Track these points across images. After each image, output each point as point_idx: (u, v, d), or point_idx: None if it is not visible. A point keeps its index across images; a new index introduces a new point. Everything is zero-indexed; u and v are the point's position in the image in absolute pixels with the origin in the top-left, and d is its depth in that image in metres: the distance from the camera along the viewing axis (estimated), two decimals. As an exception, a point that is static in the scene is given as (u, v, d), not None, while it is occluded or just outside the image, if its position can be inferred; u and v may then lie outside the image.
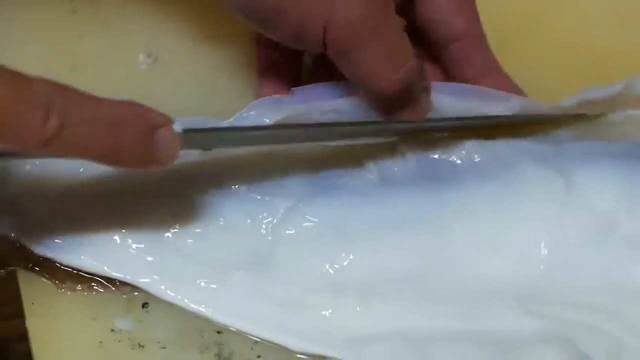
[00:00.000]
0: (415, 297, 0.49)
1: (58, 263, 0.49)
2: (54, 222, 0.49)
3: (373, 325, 0.48)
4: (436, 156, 0.51)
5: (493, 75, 0.51)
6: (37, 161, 0.49)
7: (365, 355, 0.47)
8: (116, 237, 0.49)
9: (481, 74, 0.51)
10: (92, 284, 0.49)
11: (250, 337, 0.48)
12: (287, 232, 0.50)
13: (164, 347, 0.48)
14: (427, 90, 0.49)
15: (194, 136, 0.46)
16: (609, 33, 0.58)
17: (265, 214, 0.50)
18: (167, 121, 0.44)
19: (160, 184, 0.50)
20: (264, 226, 0.50)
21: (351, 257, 0.49)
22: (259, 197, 0.50)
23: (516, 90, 0.51)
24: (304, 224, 0.50)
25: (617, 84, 0.50)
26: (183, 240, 0.49)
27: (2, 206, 0.50)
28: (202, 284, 0.49)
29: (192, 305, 0.48)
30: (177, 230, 0.49)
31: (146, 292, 0.49)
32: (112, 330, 0.48)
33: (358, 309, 0.48)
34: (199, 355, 0.47)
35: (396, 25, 0.46)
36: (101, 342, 0.48)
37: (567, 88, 0.52)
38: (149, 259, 0.49)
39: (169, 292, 0.49)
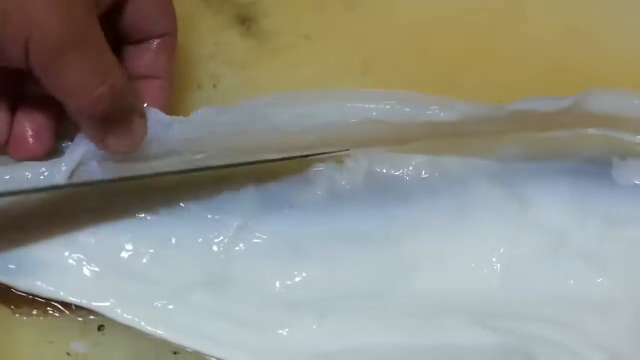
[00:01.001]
0: (371, 313, 0.49)
1: (13, 288, 0.49)
2: (8, 247, 0.49)
3: (330, 342, 0.48)
4: (384, 171, 0.52)
5: (159, 81, 0.51)
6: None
7: (325, 371, 0.47)
8: (71, 261, 0.49)
9: (153, 74, 0.50)
10: (48, 308, 0.49)
11: (208, 357, 0.48)
12: (239, 249, 0.50)
13: (121, 369, 0.48)
14: (140, 114, 0.48)
15: None
16: (559, 50, 0.59)
17: (216, 233, 0.50)
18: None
19: (111, 205, 0.50)
20: (215, 246, 0.50)
21: (304, 274, 0.50)
22: (209, 216, 0.50)
23: (164, 107, 0.50)
24: (255, 241, 0.50)
25: (566, 99, 0.50)
26: (137, 262, 0.49)
27: None
28: (159, 305, 0.49)
29: (149, 328, 0.48)
30: (131, 252, 0.50)
31: (102, 315, 0.49)
32: (68, 353, 0.48)
33: (314, 326, 0.48)
34: (156, 376, 0.48)
35: (98, 40, 0.45)
36: (57, 366, 0.48)
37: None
38: (104, 282, 0.49)
39: (125, 315, 0.49)
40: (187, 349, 0.48)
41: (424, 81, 0.57)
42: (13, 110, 0.48)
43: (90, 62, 0.45)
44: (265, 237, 0.50)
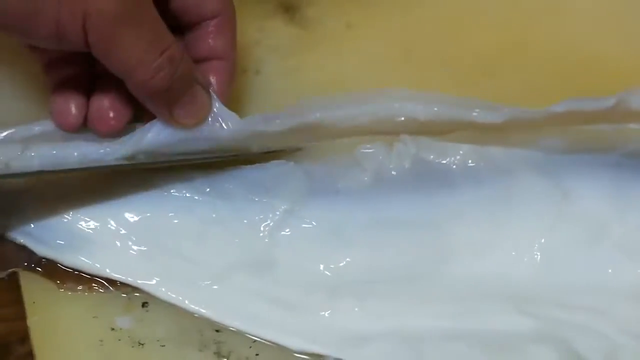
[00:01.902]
0: (411, 297, 0.49)
1: (59, 264, 0.50)
2: (56, 224, 0.50)
3: (370, 325, 0.49)
4: (432, 158, 0.52)
5: (220, 62, 0.51)
6: (38, 161, 0.49)
7: (363, 354, 0.48)
8: (117, 239, 0.50)
9: (214, 55, 0.51)
10: (93, 284, 0.50)
11: (250, 335, 0.49)
12: (284, 233, 0.50)
13: (164, 345, 0.48)
14: (204, 86, 0.49)
15: None
16: (595, 43, 0.60)
17: (262, 216, 0.51)
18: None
19: (158, 184, 0.51)
20: (260, 228, 0.50)
21: (348, 258, 0.50)
22: (256, 199, 0.51)
23: (226, 86, 0.51)
24: (300, 226, 0.51)
25: (609, 98, 0.51)
26: (182, 241, 0.50)
27: (4, 206, 0.50)
28: (202, 284, 0.49)
29: (192, 306, 0.49)
30: (176, 231, 0.50)
31: (147, 293, 0.49)
32: (112, 328, 0.49)
33: (356, 309, 0.49)
34: (198, 353, 0.48)
35: (152, 15, 0.46)
36: (101, 341, 0.48)
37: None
38: (150, 260, 0.50)
39: (169, 293, 0.49)
40: (230, 328, 0.49)
41: (463, 69, 0.58)
42: (89, 91, 0.50)
43: (147, 36, 0.46)
44: (311, 221, 0.51)
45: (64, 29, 0.45)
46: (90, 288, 0.50)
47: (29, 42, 0.48)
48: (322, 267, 0.50)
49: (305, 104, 0.50)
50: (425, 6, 0.61)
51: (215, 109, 0.49)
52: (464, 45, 0.60)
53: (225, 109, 0.49)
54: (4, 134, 0.50)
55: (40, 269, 0.50)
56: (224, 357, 0.48)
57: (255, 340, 0.49)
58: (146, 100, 0.48)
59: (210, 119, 0.49)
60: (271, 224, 0.51)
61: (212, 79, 0.51)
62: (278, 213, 0.51)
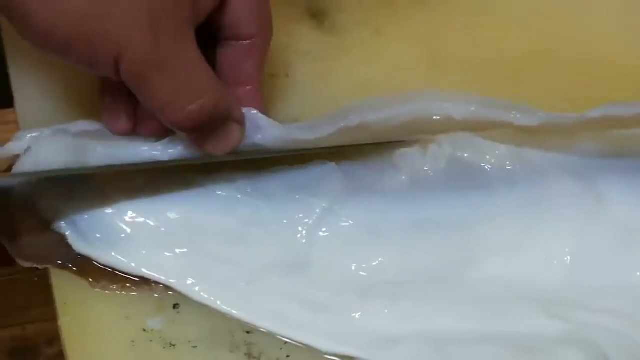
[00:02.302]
0: (440, 298, 0.50)
1: (94, 261, 0.50)
2: (98, 216, 0.50)
3: (399, 326, 0.49)
4: (466, 155, 0.53)
5: (249, 88, 0.51)
6: (94, 158, 0.50)
7: (391, 356, 0.48)
8: (156, 238, 0.50)
9: (240, 77, 0.51)
10: (127, 283, 0.50)
11: (281, 337, 0.49)
12: (321, 233, 0.51)
13: (195, 347, 0.48)
14: (238, 121, 0.49)
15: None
16: (620, 54, 0.60)
17: (301, 215, 0.51)
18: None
19: (202, 186, 0.51)
20: (299, 228, 0.51)
21: (380, 258, 0.51)
22: (297, 197, 0.51)
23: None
24: (339, 225, 0.51)
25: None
26: (221, 243, 0.50)
27: (59, 191, 0.51)
28: (236, 286, 0.50)
29: (225, 307, 0.49)
30: (216, 232, 0.51)
31: (179, 293, 0.50)
32: (144, 329, 0.49)
33: (386, 310, 0.49)
34: (229, 354, 0.48)
35: (189, 59, 0.47)
36: (133, 342, 0.48)
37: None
38: (187, 261, 0.50)
39: (202, 294, 0.50)
40: (261, 329, 0.49)
41: (490, 76, 0.59)
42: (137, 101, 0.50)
43: (179, 82, 0.46)
44: (348, 220, 0.51)
45: (98, 65, 0.46)
46: (124, 287, 0.50)
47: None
48: (354, 267, 0.50)
49: (347, 108, 0.50)
50: (452, 12, 0.61)
51: (258, 127, 0.50)
52: (490, 51, 0.60)
53: (267, 121, 0.50)
54: (74, 129, 0.50)
55: (74, 267, 0.50)
56: (254, 358, 0.48)
57: (286, 342, 0.49)
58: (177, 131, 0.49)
59: (251, 131, 0.50)
60: (310, 223, 0.51)
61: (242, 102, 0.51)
62: (318, 211, 0.51)
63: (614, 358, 0.48)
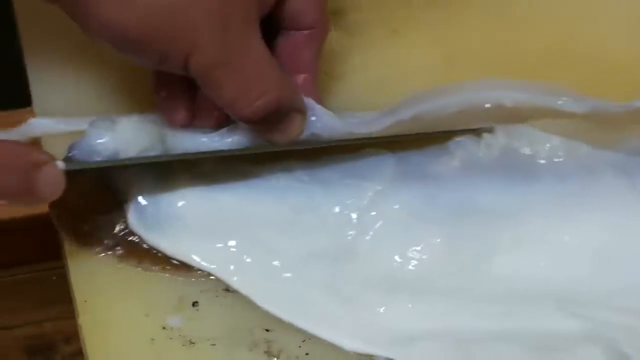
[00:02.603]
0: (462, 295, 0.50)
1: (144, 243, 0.51)
2: (158, 199, 0.51)
3: (421, 324, 0.49)
4: (521, 147, 0.53)
5: (306, 77, 0.53)
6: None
7: (412, 353, 0.48)
8: (207, 224, 0.51)
9: (297, 65, 0.53)
10: (167, 266, 0.51)
11: (299, 333, 0.49)
12: (371, 217, 0.51)
13: (214, 344, 0.49)
14: (300, 111, 0.51)
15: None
16: (637, 51, 0.60)
17: (353, 200, 0.52)
18: (49, 159, 0.46)
19: (259, 175, 0.52)
20: (351, 214, 0.51)
21: (422, 245, 0.51)
22: (349, 182, 0.52)
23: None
24: (391, 207, 0.51)
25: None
26: (271, 231, 0.51)
27: (130, 177, 0.51)
28: (277, 277, 0.50)
29: (258, 300, 0.50)
30: (268, 221, 0.51)
31: (199, 290, 0.50)
32: (164, 327, 0.49)
33: (409, 305, 0.49)
34: (248, 352, 0.48)
35: (256, 57, 0.49)
36: (153, 339, 0.49)
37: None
38: (234, 250, 0.51)
39: (241, 283, 0.50)
40: (283, 321, 0.49)
41: (506, 75, 0.58)
42: (194, 87, 0.51)
43: (247, 79, 0.48)
44: (397, 204, 0.51)
45: (168, 62, 0.47)
46: (164, 269, 0.51)
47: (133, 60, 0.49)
48: (398, 255, 0.51)
49: (401, 102, 0.52)
50: (469, 13, 0.61)
51: (314, 117, 0.51)
52: (507, 51, 0.60)
53: (324, 111, 0.51)
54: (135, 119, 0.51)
55: (121, 249, 0.51)
56: (274, 356, 0.48)
57: (304, 340, 0.49)
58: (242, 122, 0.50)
59: (309, 121, 0.51)
60: (361, 206, 0.51)
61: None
62: (370, 194, 0.52)
63: (634, 357, 0.48)
